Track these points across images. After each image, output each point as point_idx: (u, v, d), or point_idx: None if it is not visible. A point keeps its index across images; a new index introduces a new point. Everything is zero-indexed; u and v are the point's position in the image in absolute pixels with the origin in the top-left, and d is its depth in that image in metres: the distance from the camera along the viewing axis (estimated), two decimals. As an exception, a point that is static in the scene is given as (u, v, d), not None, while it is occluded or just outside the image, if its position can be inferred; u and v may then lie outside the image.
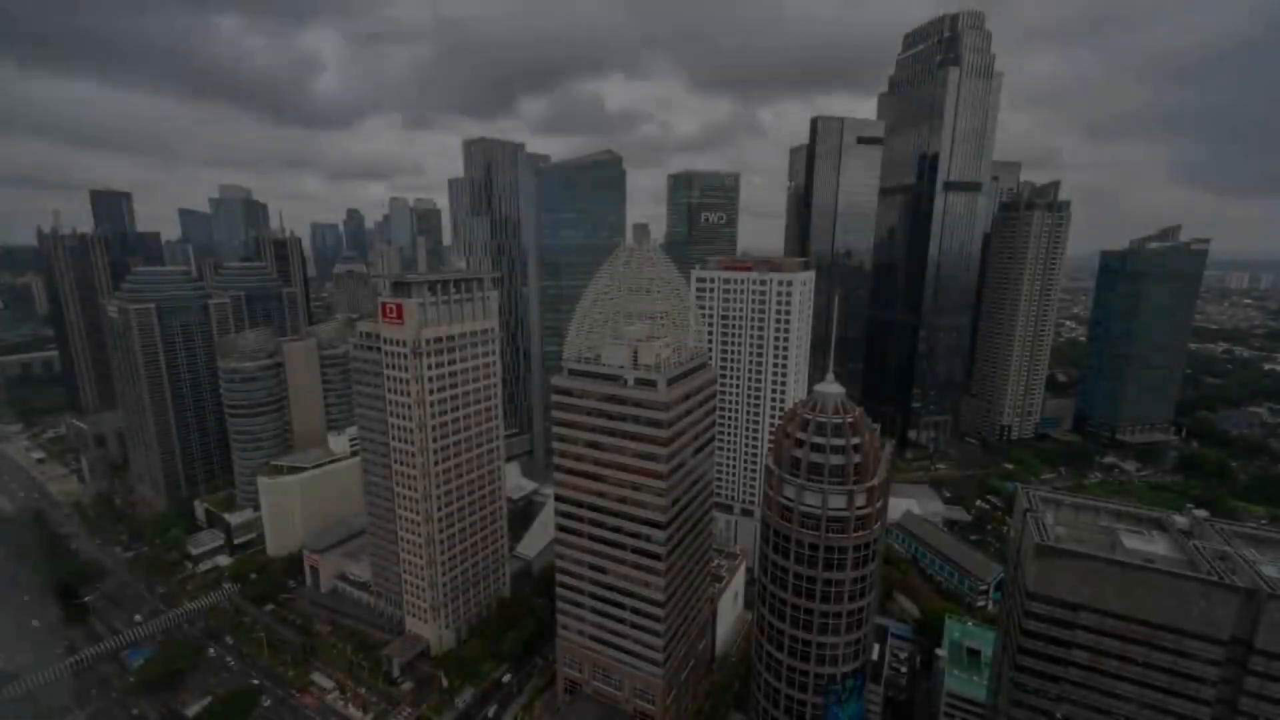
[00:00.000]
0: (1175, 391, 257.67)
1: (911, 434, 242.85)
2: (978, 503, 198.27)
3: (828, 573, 75.77)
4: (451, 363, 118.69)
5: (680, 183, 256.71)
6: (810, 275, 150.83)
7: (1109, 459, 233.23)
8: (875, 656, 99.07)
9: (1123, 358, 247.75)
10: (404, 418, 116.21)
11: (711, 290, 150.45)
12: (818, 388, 79.58)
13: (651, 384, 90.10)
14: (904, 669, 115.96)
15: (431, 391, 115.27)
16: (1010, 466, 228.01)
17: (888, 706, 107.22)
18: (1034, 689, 68.32)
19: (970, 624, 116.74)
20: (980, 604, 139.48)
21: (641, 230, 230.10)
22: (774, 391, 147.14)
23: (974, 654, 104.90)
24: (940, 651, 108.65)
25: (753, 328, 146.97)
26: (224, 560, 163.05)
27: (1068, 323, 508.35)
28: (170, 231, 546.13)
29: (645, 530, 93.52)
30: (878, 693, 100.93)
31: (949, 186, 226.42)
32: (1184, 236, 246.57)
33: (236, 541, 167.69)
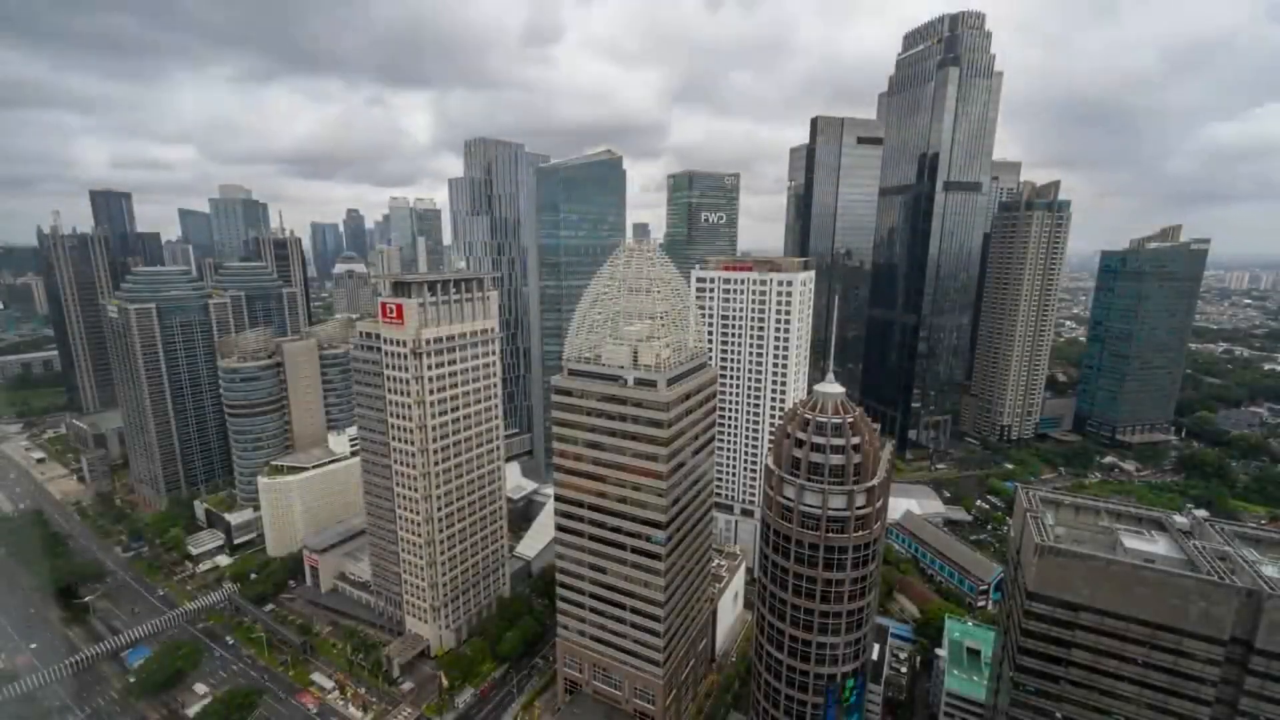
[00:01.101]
0: (1175, 391, 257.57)
1: (911, 434, 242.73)
2: (978, 503, 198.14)
3: (828, 573, 75.71)
4: (451, 363, 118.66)
5: (680, 183, 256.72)
6: (810, 275, 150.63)
7: (1109, 459, 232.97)
8: (875, 656, 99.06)
9: (1123, 358, 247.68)
10: (404, 418, 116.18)
11: (711, 290, 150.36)
12: (818, 388, 79.48)
13: (651, 384, 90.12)
14: (904, 669, 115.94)
15: (431, 392, 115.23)
16: (1010, 466, 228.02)
17: (887, 706, 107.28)
18: (1034, 689, 68.33)
19: (970, 624, 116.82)
20: (980, 604, 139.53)
21: (641, 230, 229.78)
22: (774, 391, 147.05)
23: (974, 654, 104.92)
24: (940, 651, 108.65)
25: (753, 328, 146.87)
26: (224, 560, 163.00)
27: (1068, 323, 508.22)
28: (170, 231, 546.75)
29: (645, 530, 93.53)
30: (878, 693, 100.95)
31: (949, 186, 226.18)
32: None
33: (236, 541, 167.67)
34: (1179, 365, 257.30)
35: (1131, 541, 67.51)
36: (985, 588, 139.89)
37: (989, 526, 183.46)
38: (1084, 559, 63.52)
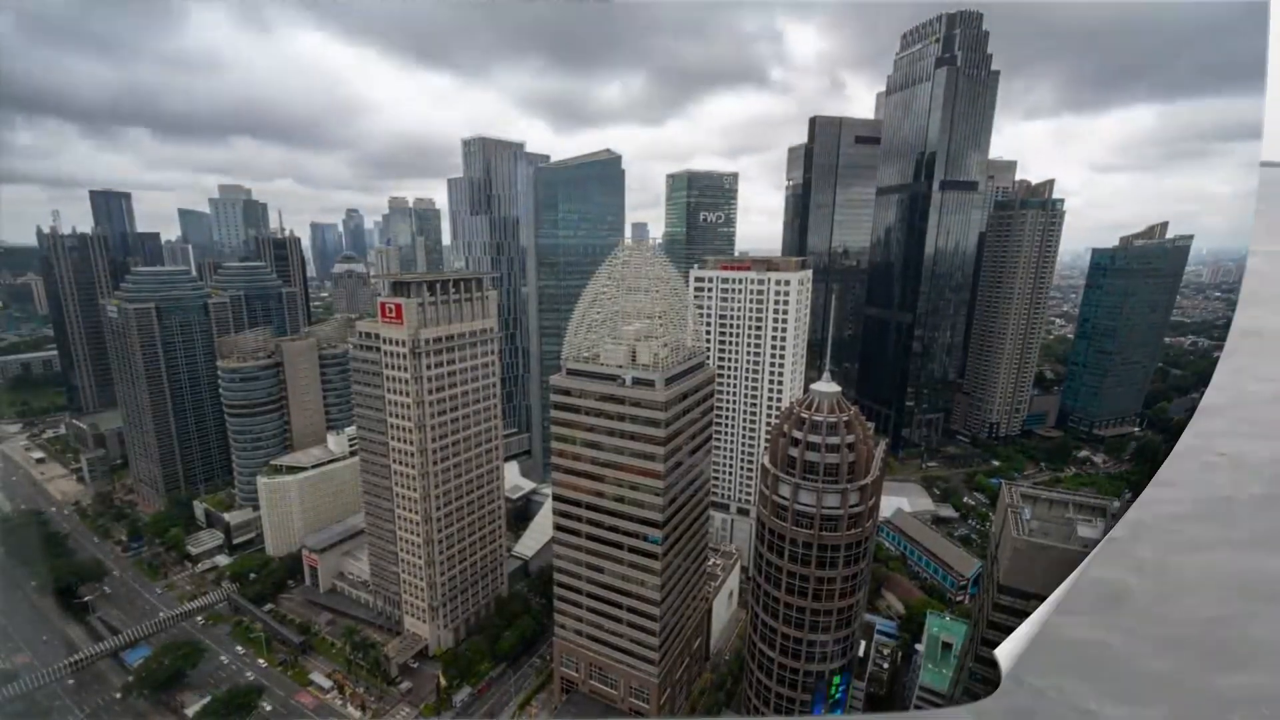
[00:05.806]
0: (1147, 384, 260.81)
1: (905, 432, 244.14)
2: (965, 499, 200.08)
3: (820, 570, 76.85)
4: (450, 363, 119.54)
5: (679, 183, 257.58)
6: (807, 275, 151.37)
7: (1084, 453, 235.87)
8: (861, 653, 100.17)
9: (1106, 353, 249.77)
10: (403, 418, 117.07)
11: (709, 290, 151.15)
12: (814, 387, 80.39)
13: (649, 383, 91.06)
14: (886, 664, 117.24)
15: (430, 391, 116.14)
16: (997, 463, 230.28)
17: (869, 700, 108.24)
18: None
19: (948, 618, 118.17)
20: (959, 599, 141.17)
21: (640, 230, 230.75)
22: (771, 390, 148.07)
23: (947, 647, 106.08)
24: (920, 646, 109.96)
25: (750, 327, 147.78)
26: (223, 560, 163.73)
27: (1057, 320, 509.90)
28: (170, 231, 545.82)
29: (642, 529, 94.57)
30: (860, 688, 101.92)
31: (945, 185, 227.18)
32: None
33: (236, 541, 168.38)
34: (1153, 359, 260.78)
35: (1084, 530, 69.02)
36: (965, 583, 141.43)
37: (974, 522, 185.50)
38: (1042, 550, 65.17)
